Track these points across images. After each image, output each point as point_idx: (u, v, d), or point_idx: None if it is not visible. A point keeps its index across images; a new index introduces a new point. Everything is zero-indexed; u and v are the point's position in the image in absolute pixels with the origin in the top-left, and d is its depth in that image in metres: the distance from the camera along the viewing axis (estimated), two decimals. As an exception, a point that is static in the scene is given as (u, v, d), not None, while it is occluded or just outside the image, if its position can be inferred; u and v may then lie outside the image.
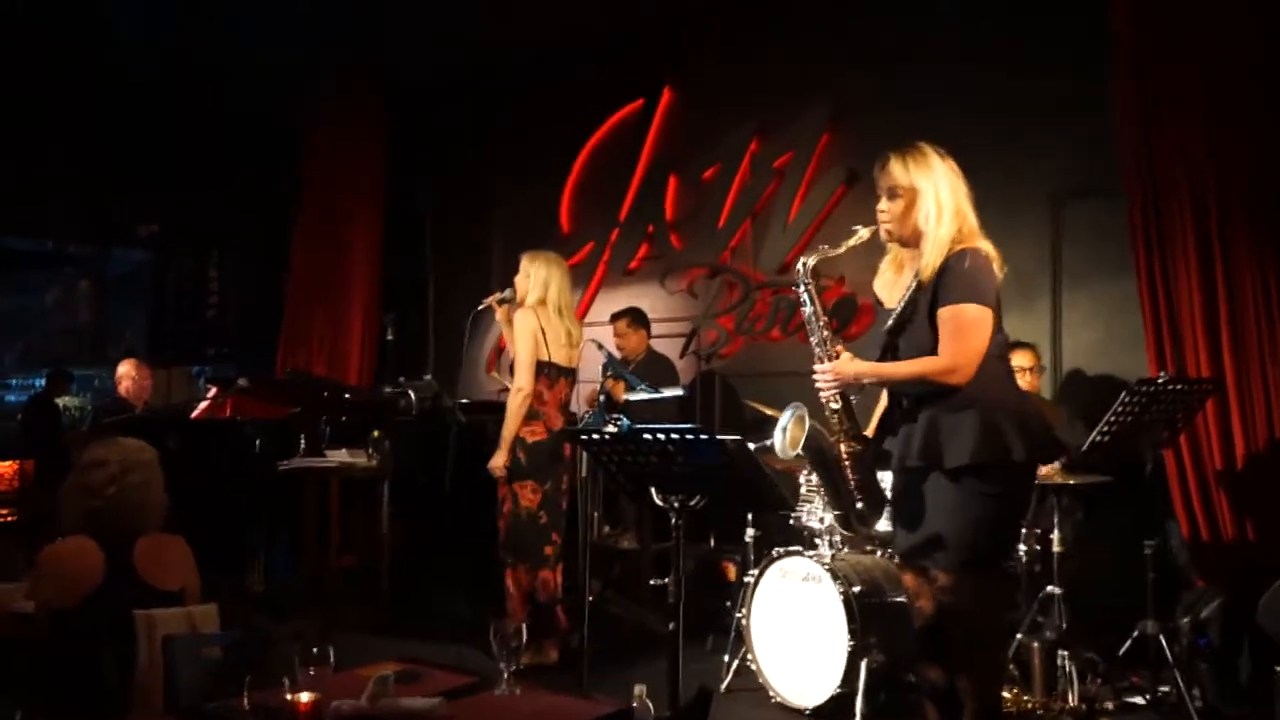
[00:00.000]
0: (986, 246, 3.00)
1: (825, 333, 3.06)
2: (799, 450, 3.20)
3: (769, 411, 4.74)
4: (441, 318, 7.91)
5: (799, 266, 3.08)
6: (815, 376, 3.07)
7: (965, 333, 2.90)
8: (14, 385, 12.53)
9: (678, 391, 5.05)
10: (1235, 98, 4.39)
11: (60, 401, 9.51)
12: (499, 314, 4.90)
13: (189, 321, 9.88)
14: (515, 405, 4.63)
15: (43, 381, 10.24)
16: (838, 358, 3.04)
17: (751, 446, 2.87)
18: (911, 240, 3.04)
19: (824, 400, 3.09)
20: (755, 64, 6.37)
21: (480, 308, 4.91)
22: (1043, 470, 3.88)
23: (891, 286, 3.16)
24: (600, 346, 4.40)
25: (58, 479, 3.00)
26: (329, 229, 8.12)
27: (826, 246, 3.09)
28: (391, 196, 8.00)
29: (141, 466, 2.96)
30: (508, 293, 4.87)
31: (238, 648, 2.71)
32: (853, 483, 3.12)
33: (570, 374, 4.79)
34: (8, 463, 7.23)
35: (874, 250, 3.17)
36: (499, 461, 4.63)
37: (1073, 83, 5.11)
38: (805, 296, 3.08)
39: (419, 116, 7.93)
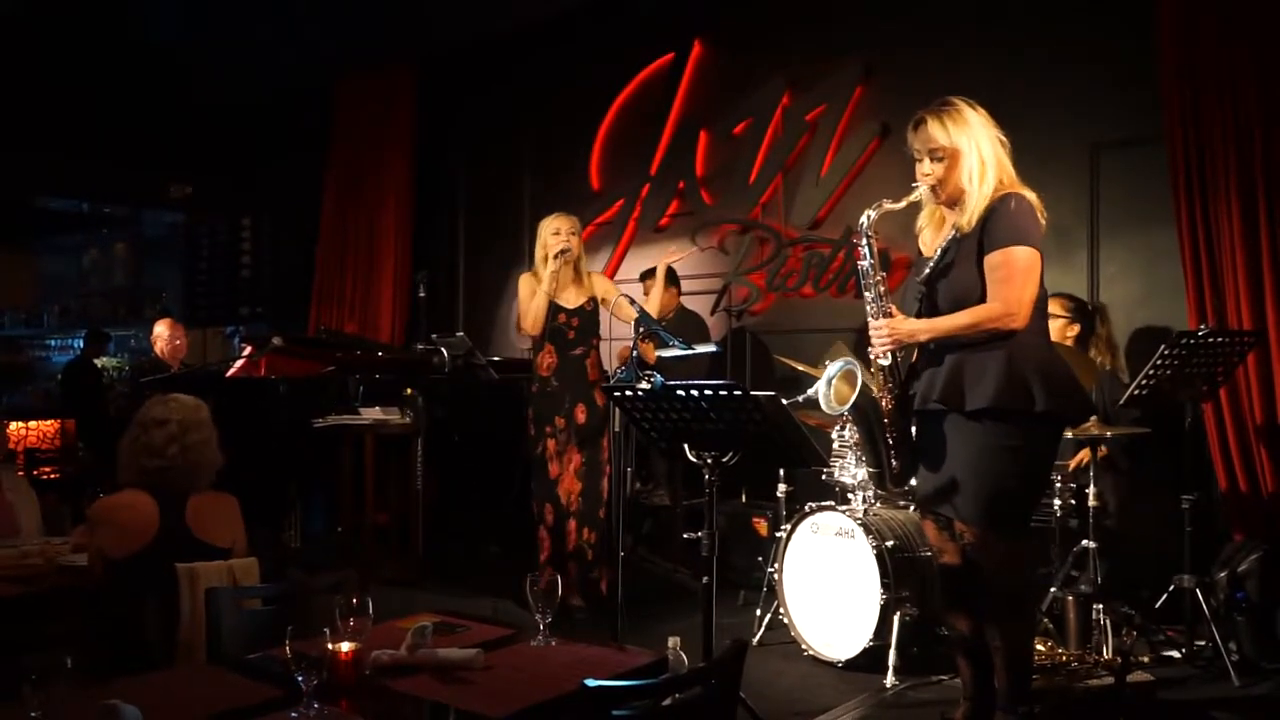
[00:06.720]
0: (1028, 193, 2.97)
1: (881, 288, 3.03)
2: (845, 408, 3.18)
3: (800, 368, 4.73)
4: (472, 276, 7.93)
5: (863, 219, 3.04)
6: (871, 333, 3.04)
7: (1017, 276, 2.88)
8: (53, 346, 12.73)
9: (711, 348, 5.02)
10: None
11: (98, 362, 9.67)
12: (554, 266, 4.84)
13: (223, 281, 9.96)
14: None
15: (81, 342, 10.41)
16: (891, 315, 3.01)
17: (784, 402, 2.87)
18: (955, 198, 3.01)
19: (874, 356, 3.07)
20: (786, 16, 6.27)
21: (563, 250, 4.81)
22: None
23: (931, 242, 3.14)
24: (633, 302, 4.38)
25: (97, 437, 3.06)
26: (360, 188, 8.17)
27: (888, 200, 3.05)
28: (421, 154, 8.00)
29: (200, 425, 3.00)
30: (568, 249, 4.84)
31: (278, 600, 2.75)
32: (891, 441, 3.11)
33: None
34: (49, 422, 7.37)
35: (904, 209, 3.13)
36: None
37: (1110, 29, 5.00)
38: (865, 250, 3.04)
39: (449, 74, 7.89)
